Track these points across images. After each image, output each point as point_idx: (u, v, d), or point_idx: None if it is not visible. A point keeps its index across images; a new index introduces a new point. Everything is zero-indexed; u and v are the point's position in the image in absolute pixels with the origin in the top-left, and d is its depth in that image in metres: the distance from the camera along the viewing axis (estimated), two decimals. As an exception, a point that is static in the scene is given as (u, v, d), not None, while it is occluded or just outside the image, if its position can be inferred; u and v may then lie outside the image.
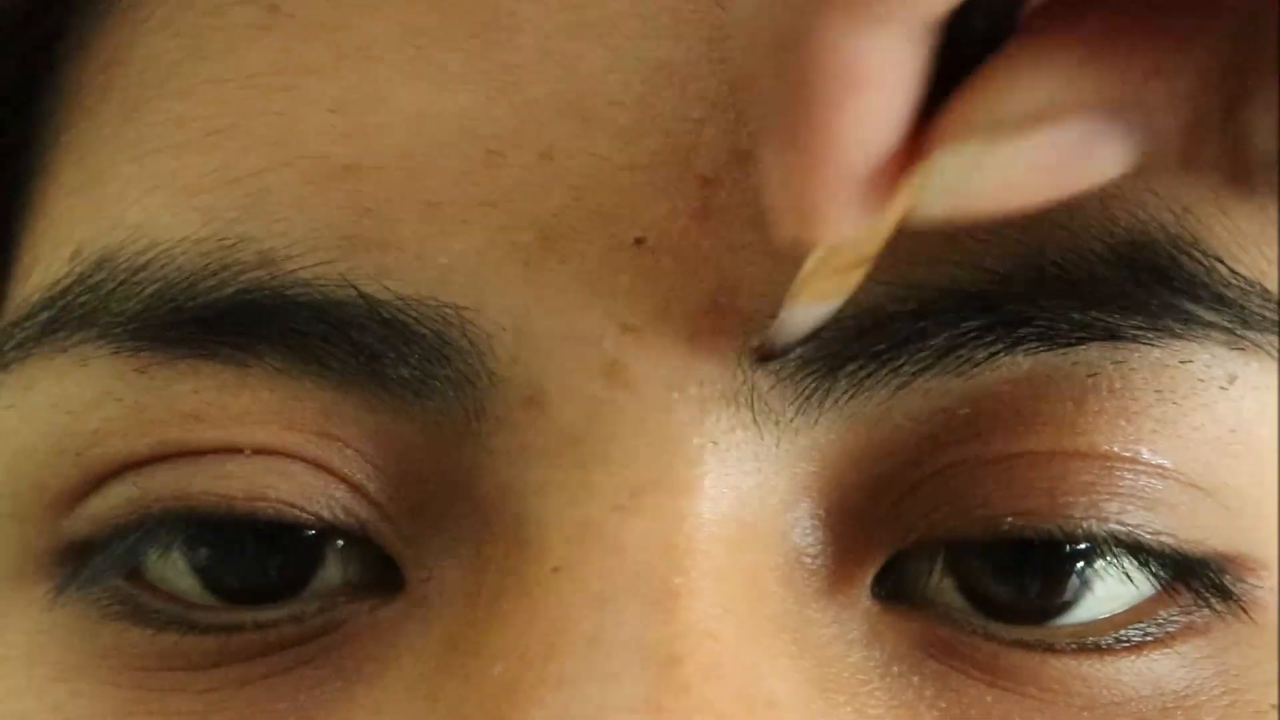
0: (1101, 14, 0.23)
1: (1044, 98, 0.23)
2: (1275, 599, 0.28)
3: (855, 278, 0.25)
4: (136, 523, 0.28)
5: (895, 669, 0.26)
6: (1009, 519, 0.26)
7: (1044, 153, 0.23)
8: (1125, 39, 0.23)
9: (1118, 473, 0.27)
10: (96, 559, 0.28)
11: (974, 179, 0.23)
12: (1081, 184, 0.23)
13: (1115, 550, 0.27)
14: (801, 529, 0.26)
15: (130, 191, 0.28)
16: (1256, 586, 0.27)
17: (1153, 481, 0.27)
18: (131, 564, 0.28)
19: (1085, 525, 0.26)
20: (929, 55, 0.22)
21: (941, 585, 0.27)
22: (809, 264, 0.25)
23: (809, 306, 0.25)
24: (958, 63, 0.23)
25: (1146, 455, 0.27)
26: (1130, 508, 0.27)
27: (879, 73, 0.22)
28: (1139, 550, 0.27)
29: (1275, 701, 0.27)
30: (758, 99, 0.23)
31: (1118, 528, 0.26)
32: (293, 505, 0.27)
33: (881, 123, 0.22)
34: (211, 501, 0.27)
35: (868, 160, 0.22)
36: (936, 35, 0.22)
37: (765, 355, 0.26)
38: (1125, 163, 0.23)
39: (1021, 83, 0.23)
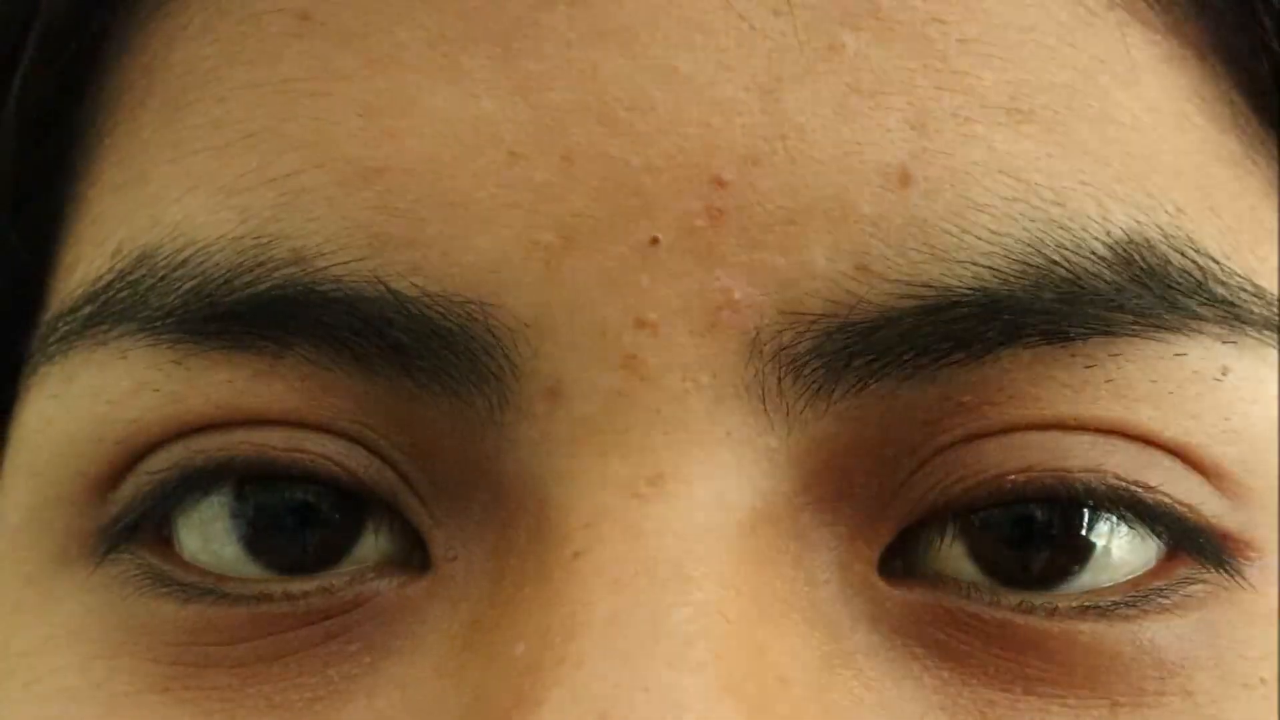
0: None
1: None
2: (1268, 580, 0.28)
3: None
4: (178, 476, 0.29)
5: (900, 643, 0.27)
6: (1011, 477, 0.27)
7: None
8: None
9: (1116, 439, 0.28)
10: (142, 502, 0.29)
11: None
12: None
13: (1116, 511, 0.28)
14: (811, 513, 0.27)
15: (170, 191, 0.29)
16: (1249, 565, 0.28)
17: (1150, 449, 0.28)
18: (174, 508, 0.29)
19: (1084, 479, 0.27)
20: None
21: (952, 553, 0.28)
22: None
23: None
24: None
25: (1144, 428, 0.28)
26: (1128, 464, 0.28)
27: None
28: (1139, 509, 0.28)
29: (1264, 675, 0.28)
30: None
31: (1116, 482, 0.27)
32: (329, 459, 0.28)
33: None
34: (251, 450, 0.28)
35: None
36: None
37: None
38: None
39: None
